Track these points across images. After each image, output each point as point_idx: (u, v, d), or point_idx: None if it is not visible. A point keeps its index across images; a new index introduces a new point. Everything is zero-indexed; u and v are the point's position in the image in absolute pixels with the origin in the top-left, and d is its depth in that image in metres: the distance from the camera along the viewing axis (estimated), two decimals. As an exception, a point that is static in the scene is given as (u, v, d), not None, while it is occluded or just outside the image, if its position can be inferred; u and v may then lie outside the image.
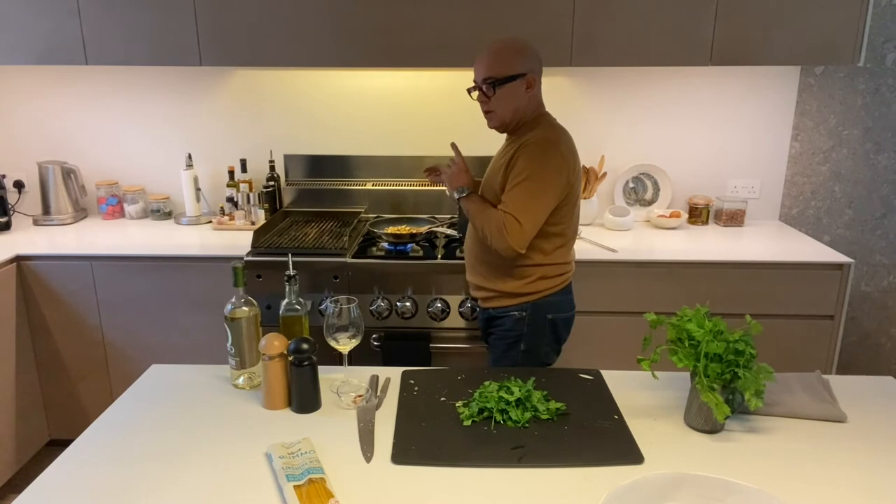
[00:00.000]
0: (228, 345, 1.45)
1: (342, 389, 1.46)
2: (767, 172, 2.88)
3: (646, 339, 1.34)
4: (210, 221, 2.84)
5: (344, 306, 1.40)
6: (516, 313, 1.89)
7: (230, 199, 2.86)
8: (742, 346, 1.25)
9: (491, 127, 1.88)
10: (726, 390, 1.27)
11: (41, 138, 2.94)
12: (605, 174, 2.83)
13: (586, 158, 2.83)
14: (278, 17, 2.41)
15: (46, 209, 2.84)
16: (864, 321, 2.99)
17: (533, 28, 2.39)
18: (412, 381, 1.50)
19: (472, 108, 2.00)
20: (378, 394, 1.45)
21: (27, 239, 2.61)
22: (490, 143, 2.24)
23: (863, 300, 2.97)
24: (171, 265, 2.42)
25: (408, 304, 2.35)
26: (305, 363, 1.35)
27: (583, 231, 2.69)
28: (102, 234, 2.70)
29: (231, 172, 2.87)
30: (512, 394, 1.36)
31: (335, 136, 2.91)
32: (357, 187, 2.88)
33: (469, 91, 1.87)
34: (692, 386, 1.30)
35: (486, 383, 1.42)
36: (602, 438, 1.27)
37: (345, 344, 1.42)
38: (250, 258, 2.36)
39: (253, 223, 2.78)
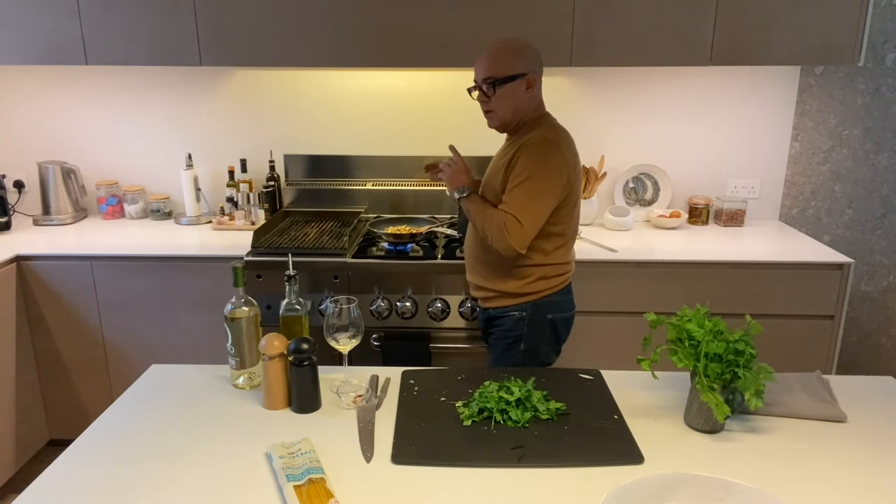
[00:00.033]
0: (228, 345, 1.46)
1: (342, 389, 1.46)
2: (767, 172, 2.88)
3: (646, 339, 1.34)
4: (210, 221, 2.84)
5: (344, 306, 1.40)
6: (516, 313, 1.89)
7: (230, 199, 2.86)
8: (742, 346, 1.25)
9: (491, 127, 1.88)
10: (726, 390, 1.27)
11: (41, 138, 2.94)
12: (605, 174, 2.83)
13: (586, 158, 2.83)
14: (278, 17, 2.42)
15: (46, 209, 2.84)
16: (864, 321, 2.99)
17: (533, 28, 2.39)
18: (412, 381, 1.50)
19: (472, 108, 2.00)
20: (378, 394, 1.45)
21: (27, 239, 2.61)
22: (490, 143, 2.24)
23: (863, 300, 2.97)
24: (171, 265, 2.42)
25: (408, 304, 2.35)
26: (305, 363, 1.35)
27: (583, 231, 2.69)
28: (102, 234, 2.70)
29: (231, 172, 2.87)
30: (512, 394, 1.36)
31: (335, 136, 2.91)
32: (357, 187, 2.88)
33: (469, 91, 1.87)
34: (692, 386, 1.30)
35: (486, 383, 1.42)
36: (602, 438, 1.27)
37: (345, 344, 1.42)
38: (250, 258, 2.36)
39: (253, 223, 2.78)
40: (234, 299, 1.44)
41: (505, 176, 1.79)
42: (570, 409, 1.37)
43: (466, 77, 1.92)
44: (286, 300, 1.49)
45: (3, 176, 2.78)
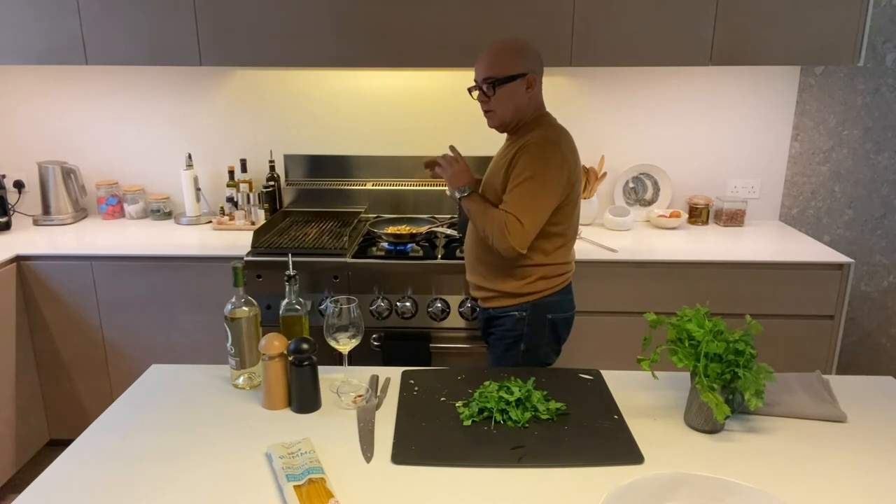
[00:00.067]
0: (228, 345, 1.46)
1: (342, 389, 1.46)
2: (767, 172, 2.88)
3: (646, 339, 1.34)
4: (210, 221, 2.84)
5: (344, 306, 1.40)
6: (516, 313, 1.89)
7: (230, 199, 2.86)
8: (742, 346, 1.25)
9: (491, 126, 1.88)
10: (726, 390, 1.27)
11: (41, 138, 2.94)
12: (605, 174, 2.83)
13: (586, 158, 2.83)
14: (278, 17, 2.42)
15: (46, 209, 2.84)
16: (864, 321, 2.99)
17: (533, 28, 2.39)
18: (412, 381, 1.50)
19: (472, 108, 2.00)
20: (378, 394, 1.45)
21: (27, 239, 2.61)
22: (490, 142, 2.24)
23: (863, 300, 2.97)
24: (171, 265, 2.42)
25: (408, 304, 2.35)
26: (305, 363, 1.35)
27: (583, 231, 2.69)
28: (102, 234, 2.70)
29: (231, 172, 2.87)
30: (512, 394, 1.36)
31: (335, 136, 2.91)
32: (357, 187, 2.88)
33: (469, 90, 1.87)
34: (692, 386, 1.30)
35: (486, 383, 1.42)
36: (602, 438, 1.27)
37: (345, 344, 1.42)
38: (250, 258, 2.36)
39: (253, 223, 2.78)
40: (234, 299, 1.44)
41: (505, 176, 1.79)
42: (570, 409, 1.37)
43: (466, 77, 1.92)
44: (286, 300, 1.49)
45: (3, 176, 2.78)
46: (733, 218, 2.81)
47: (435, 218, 2.78)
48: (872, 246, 2.92)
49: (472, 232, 1.93)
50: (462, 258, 2.11)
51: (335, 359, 1.52)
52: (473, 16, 2.39)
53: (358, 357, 1.59)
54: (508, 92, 1.79)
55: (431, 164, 1.98)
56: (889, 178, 2.84)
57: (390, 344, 2.36)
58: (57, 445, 2.62)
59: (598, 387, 1.48)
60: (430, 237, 2.56)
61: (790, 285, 2.36)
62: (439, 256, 2.38)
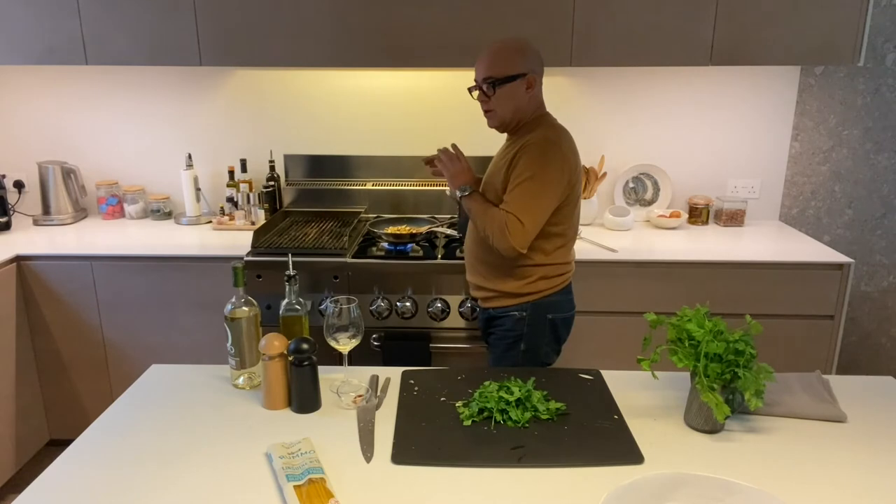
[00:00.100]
0: (228, 345, 1.46)
1: (342, 389, 1.46)
2: (767, 172, 2.88)
3: (646, 339, 1.34)
4: (210, 221, 2.84)
5: (344, 306, 1.40)
6: (516, 313, 1.89)
7: (230, 199, 2.86)
8: (742, 346, 1.25)
9: (491, 126, 1.88)
10: (726, 390, 1.27)
11: (41, 138, 2.94)
12: (605, 174, 2.83)
13: (586, 158, 2.83)
14: (278, 17, 2.42)
15: (46, 209, 2.84)
16: (864, 321, 2.99)
17: (533, 28, 2.39)
18: (412, 381, 1.50)
19: (472, 108, 2.00)
20: (378, 394, 1.45)
21: (27, 239, 2.61)
22: (490, 142, 2.24)
23: (863, 300, 2.97)
24: (171, 265, 2.42)
25: (408, 304, 2.35)
26: (305, 363, 1.35)
27: (583, 231, 2.69)
28: (102, 234, 2.70)
29: (231, 172, 2.87)
30: (512, 394, 1.36)
31: (335, 136, 2.91)
32: (357, 187, 2.88)
33: (470, 90, 1.87)
34: (692, 386, 1.30)
35: (486, 383, 1.42)
36: (602, 438, 1.27)
37: (345, 344, 1.42)
38: (250, 258, 2.36)
39: (253, 223, 2.78)
40: (234, 299, 1.44)
41: (506, 175, 1.79)
42: (570, 409, 1.37)
43: (466, 77, 1.92)
44: (286, 300, 1.49)
45: (3, 176, 2.78)
46: (733, 218, 2.81)
47: (435, 218, 2.78)
48: (872, 246, 2.92)
49: (473, 232, 1.93)
50: (462, 258, 2.11)
51: (335, 359, 1.52)
52: (473, 16, 2.39)
53: (358, 357, 1.59)
54: (508, 92, 1.79)
55: (431, 161, 1.98)
56: (889, 178, 2.84)
57: (390, 344, 2.36)
58: (57, 445, 2.62)
59: (598, 387, 1.48)
60: (430, 237, 2.56)
61: (790, 285, 2.36)
62: (439, 256, 2.38)
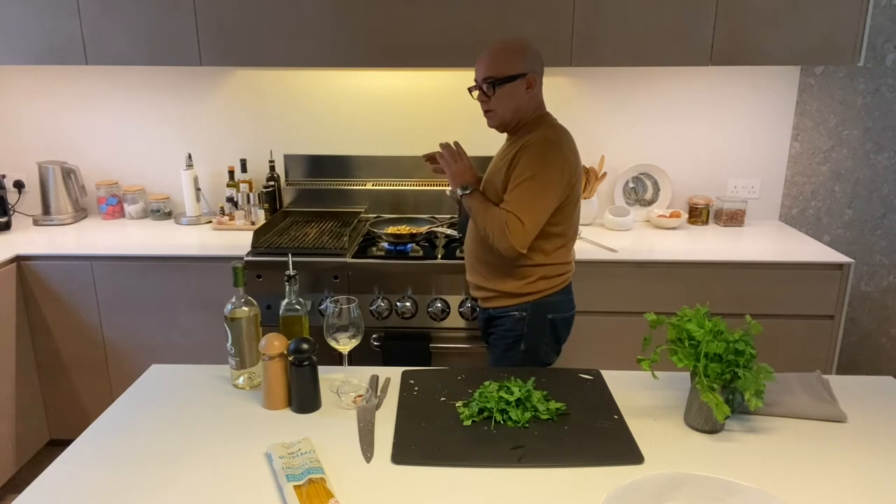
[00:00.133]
0: (228, 345, 1.45)
1: (342, 389, 1.46)
2: (767, 172, 2.88)
3: (646, 339, 1.34)
4: (210, 221, 2.84)
5: (344, 306, 1.40)
6: (516, 313, 1.89)
7: (230, 199, 2.86)
8: (742, 346, 1.25)
9: (490, 126, 1.88)
10: (726, 390, 1.27)
11: (41, 138, 2.94)
12: (605, 174, 2.83)
13: (586, 158, 2.83)
14: (278, 17, 2.42)
15: (46, 209, 2.84)
16: (864, 321, 2.99)
17: (533, 28, 2.39)
18: (412, 381, 1.50)
19: (472, 108, 2.00)
20: (378, 394, 1.45)
21: (27, 239, 2.61)
22: (490, 142, 2.24)
23: (863, 300, 2.97)
24: (171, 265, 2.42)
25: (408, 304, 2.35)
26: (305, 363, 1.35)
27: (583, 231, 2.69)
28: (102, 234, 2.70)
29: (231, 172, 2.87)
30: (512, 394, 1.36)
31: (335, 136, 2.91)
32: (357, 187, 2.88)
33: (470, 90, 1.88)
34: (692, 386, 1.30)
35: (486, 383, 1.42)
36: (602, 438, 1.27)
37: (345, 344, 1.42)
38: (250, 258, 2.36)
39: (253, 223, 2.78)
40: (234, 299, 1.44)
41: (506, 175, 1.79)
42: (570, 409, 1.37)
43: (466, 77, 1.92)
44: (286, 300, 1.49)
45: (3, 176, 2.78)
46: (733, 218, 2.81)
47: (435, 218, 2.78)
48: (872, 246, 2.92)
49: (473, 232, 1.93)
50: (462, 258, 2.11)
51: (335, 359, 1.52)
52: (473, 16, 2.39)
53: (358, 357, 1.59)
54: (508, 92, 1.79)
55: (432, 158, 1.98)
56: (889, 178, 2.84)
57: (390, 344, 2.36)
58: (57, 445, 2.62)
59: (598, 387, 1.48)
60: (430, 237, 2.56)
61: (790, 285, 2.36)
62: (439, 256, 2.38)
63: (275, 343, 1.36)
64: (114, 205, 2.92)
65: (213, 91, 2.86)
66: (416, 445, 1.25)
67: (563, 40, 2.41)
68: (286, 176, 2.91)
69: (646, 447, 1.25)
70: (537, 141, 1.76)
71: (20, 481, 2.44)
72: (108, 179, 2.96)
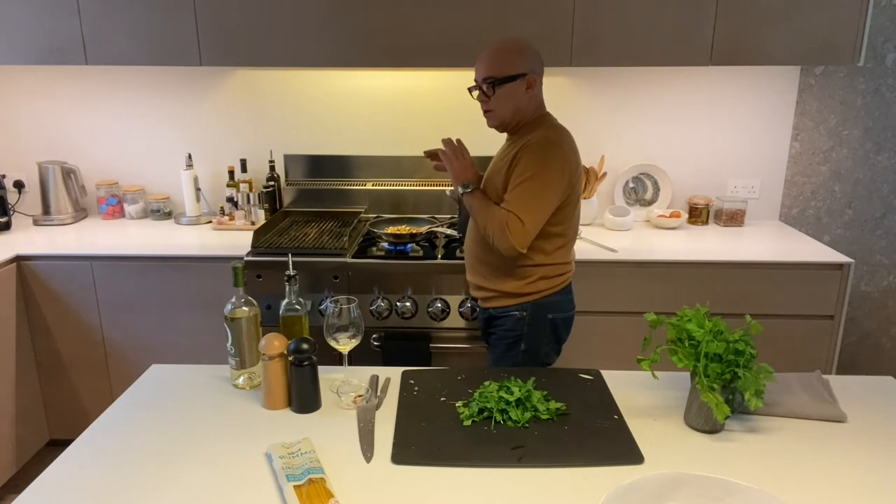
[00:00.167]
0: (228, 345, 1.45)
1: (342, 389, 1.46)
2: (767, 172, 2.88)
3: (646, 339, 1.34)
4: (210, 221, 2.84)
5: (344, 306, 1.40)
6: (516, 313, 1.89)
7: (230, 199, 2.86)
8: (742, 346, 1.25)
9: (490, 126, 1.88)
10: (726, 390, 1.27)
11: (41, 138, 2.94)
12: (605, 174, 2.83)
13: (586, 158, 2.83)
14: (278, 17, 2.42)
15: (46, 209, 2.84)
16: (864, 321, 2.99)
17: (533, 28, 2.39)
18: (412, 381, 1.50)
19: (472, 108, 2.00)
20: (378, 394, 1.45)
21: (27, 239, 2.61)
22: (490, 142, 2.24)
23: (863, 300, 2.97)
24: (171, 265, 2.42)
25: (408, 304, 2.35)
26: (305, 363, 1.35)
27: (583, 231, 2.69)
28: (102, 234, 2.70)
29: (231, 172, 2.87)
30: (512, 394, 1.36)
31: (335, 136, 2.91)
32: (357, 187, 2.88)
33: (470, 90, 1.88)
34: (692, 386, 1.30)
35: (486, 383, 1.42)
36: (602, 438, 1.27)
37: (345, 344, 1.42)
38: (250, 258, 2.36)
39: (253, 223, 2.78)
40: (234, 299, 1.44)
41: (507, 175, 1.79)
42: (570, 409, 1.37)
43: (466, 77, 1.92)
44: (286, 300, 1.49)
45: (3, 176, 2.78)
46: (733, 218, 2.81)
47: (435, 218, 2.78)
48: (872, 246, 2.92)
49: (473, 232, 1.93)
50: (462, 258, 2.11)
51: (335, 359, 1.52)
52: (473, 16, 2.39)
53: (358, 357, 1.59)
54: (508, 92, 1.79)
55: (434, 154, 1.98)
56: (889, 178, 2.84)
57: (390, 344, 2.36)
58: (57, 445, 2.62)
59: (598, 387, 1.48)
60: (430, 237, 2.56)
61: (790, 285, 2.36)
62: (439, 256, 2.38)
63: (275, 343, 1.36)
64: (114, 205, 2.92)
65: (213, 91, 2.86)
66: (416, 445, 1.25)
67: (563, 40, 2.41)
68: (286, 176, 2.91)
69: (646, 447, 1.25)
70: (538, 141, 1.76)
71: (20, 481, 2.44)
72: (108, 179, 2.96)
